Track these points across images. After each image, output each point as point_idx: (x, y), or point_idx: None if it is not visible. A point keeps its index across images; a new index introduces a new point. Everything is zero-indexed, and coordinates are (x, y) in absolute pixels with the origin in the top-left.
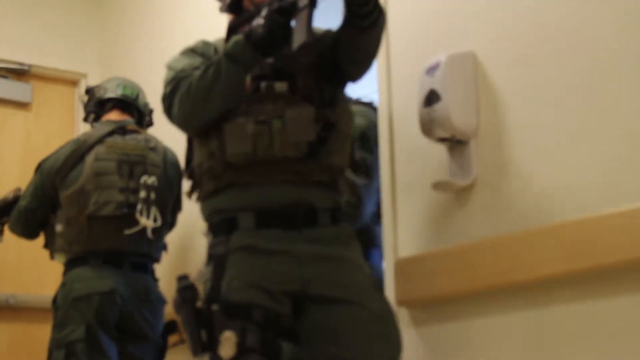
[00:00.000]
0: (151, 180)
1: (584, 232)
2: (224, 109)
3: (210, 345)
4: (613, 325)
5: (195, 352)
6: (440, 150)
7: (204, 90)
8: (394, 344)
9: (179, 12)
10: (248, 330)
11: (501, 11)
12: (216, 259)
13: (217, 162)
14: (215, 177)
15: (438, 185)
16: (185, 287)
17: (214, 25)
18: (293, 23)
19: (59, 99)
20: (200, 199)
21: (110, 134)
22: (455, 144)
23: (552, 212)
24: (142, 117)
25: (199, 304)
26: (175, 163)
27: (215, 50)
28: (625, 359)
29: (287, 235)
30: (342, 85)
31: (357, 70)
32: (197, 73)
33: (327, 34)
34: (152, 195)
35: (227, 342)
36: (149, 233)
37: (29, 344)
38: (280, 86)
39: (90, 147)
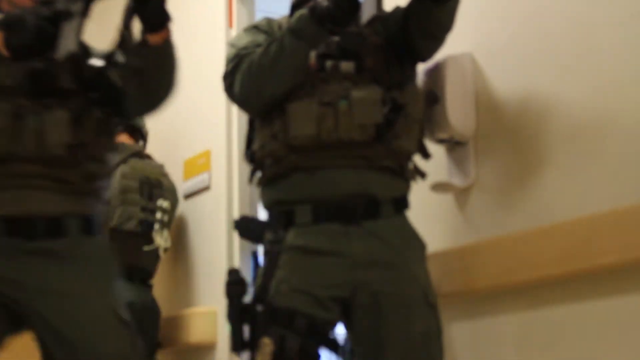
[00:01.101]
0: (166, 204)
1: (581, 232)
2: (287, 87)
3: (252, 344)
4: (612, 324)
5: (235, 348)
6: (439, 151)
7: (266, 67)
8: (435, 356)
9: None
10: (287, 339)
11: (499, 13)
12: (269, 257)
13: (280, 145)
14: (278, 161)
15: (437, 187)
16: (233, 281)
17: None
18: None
19: None
20: (262, 184)
21: (131, 156)
22: (454, 145)
23: (552, 213)
24: (145, 141)
25: (247, 300)
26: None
27: (280, 27)
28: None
29: (344, 230)
30: (412, 65)
31: (431, 46)
32: (260, 50)
33: (396, 11)
34: (165, 218)
35: (264, 349)
36: (161, 252)
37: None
38: (347, 66)
39: (117, 165)
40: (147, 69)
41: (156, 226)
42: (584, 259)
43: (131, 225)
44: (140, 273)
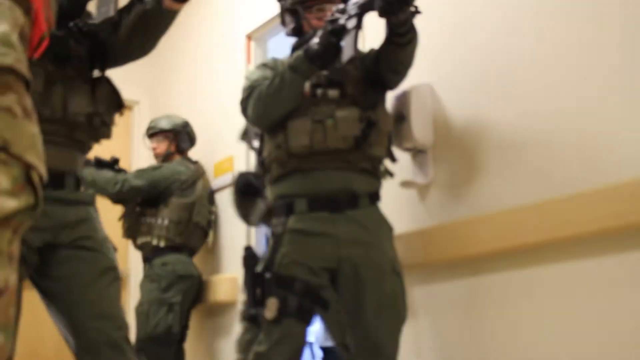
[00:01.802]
0: (214, 209)
1: (511, 218)
2: (287, 110)
3: (262, 302)
4: (535, 290)
5: (249, 305)
6: (405, 157)
7: (271, 95)
8: (401, 313)
9: (218, 41)
10: (289, 298)
11: (451, 53)
12: (275, 237)
13: (283, 152)
14: (281, 164)
15: (404, 184)
16: (248, 256)
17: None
18: (342, 42)
19: (118, 123)
20: (269, 183)
21: (202, 173)
22: (417, 152)
23: (490, 204)
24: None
25: (258, 269)
26: None
27: (282, 64)
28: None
29: (331, 217)
30: (383, 92)
31: (396, 79)
32: (267, 82)
33: (371, 52)
34: (213, 218)
35: (271, 306)
36: (209, 244)
37: None
38: (333, 93)
39: (200, 176)
40: (151, 30)
41: (212, 225)
42: (513, 239)
43: (203, 222)
44: (193, 252)
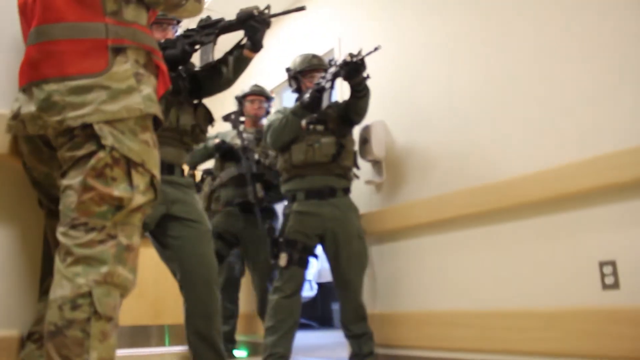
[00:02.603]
0: None
1: (434, 203)
2: (290, 138)
3: (277, 256)
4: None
5: (272, 257)
6: (368, 165)
7: (280, 129)
8: (363, 262)
9: None
10: (293, 253)
11: (396, 100)
12: (285, 216)
13: (288, 164)
14: (287, 172)
15: (367, 182)
16: (269, 228)
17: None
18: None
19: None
20: (282, 182)
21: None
22: (375, 162)
23: (418, 194)
24: None
25: (276, 236)
26: None
27: (287, 110)
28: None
29: (319, 202)
30: (351, 126)
31: (358, 119)
32: (278, 121)
33: (344, 101)
34: None
35: (283, 258)
36: None
37: None
38: (319, 127)
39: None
40: (239, 69)
41: None
42: (435, 215)
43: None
44: None
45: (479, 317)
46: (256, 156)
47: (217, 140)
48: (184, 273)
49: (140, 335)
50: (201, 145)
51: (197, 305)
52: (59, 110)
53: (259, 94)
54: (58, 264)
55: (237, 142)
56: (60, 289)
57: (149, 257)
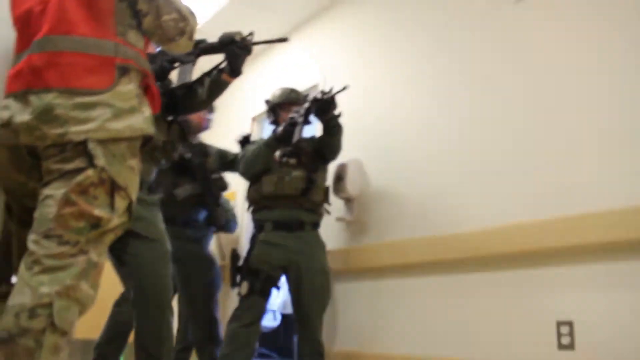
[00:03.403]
0: None
1: (398, 246)
2: (261, 169)
3: (239, 284)
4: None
5: (231, 285)
6: (341, 203)
7: (252, 160)
8: (325, 298)
9: (233, 121)
10: (255, 282)
11: (371, 141)
12: (251, 244)
13: (258, 194)
14: (256, 202)
15: (339, 219)
16: (233, 255)
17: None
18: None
19: None
20: (252, 212)
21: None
22: (348, 200)
23: (386, 236)
24: None
25: (239, 263)
26: None
27: (261, 141)
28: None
29: (286, 235)
30: (324, 162)
31: (331, 156)
32: (250, 151)
33: (316, 137)
34: None
35: (244, 287)
36: None
37: None
38: (292, 160)
39: None
40: (215, 93)
41: None
42: (400, 259)
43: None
44: None
45: None
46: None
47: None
48: (138, 292)
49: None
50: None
51: (148, 326)
52: (61, 124)
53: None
54: (23, 271)
55: (187, 155)
56: (20, 296)
57: (109, 270)
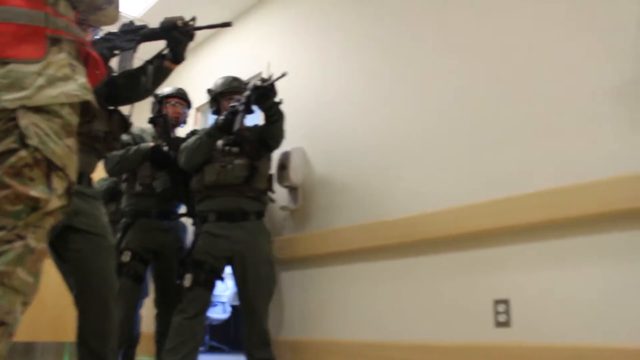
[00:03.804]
0: None
1: (343, 234)
2: (203, 159)
3: (183, 276)
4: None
5: (177, 278)
6: (285, 191)
7: (193, 150)
8: (270, 288)
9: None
10: (199, 274)
11: (315, 128)
12: (195, 237)
13: (200, 185)
14: (199, 192)
15: (283, 207)
16: (178, 247)
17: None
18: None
19: None
20: (195, 203)
21: None
22: (292, 189)
23: (329, 224)
24: None
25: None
26: None
27: (203, 131)
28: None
29: (230, 225)
30: (267, 150)
31: (273, 144)
32: (191, 141)
33: (259, 126)
34: None
35: (187, 279)
36: None
37: None
38: (235, 149)
39: None
40: (158, 80)
41: None
42: (344, 245)
43: None
44: None
45: (380, 348)
46: None
47: (151, 144)
48: (81, 289)
49: (36, 353)
50: (131, 148)
51: (92, 323)
52: None
53: (181, 97)
54: None
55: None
56: None
57: (51, 269)
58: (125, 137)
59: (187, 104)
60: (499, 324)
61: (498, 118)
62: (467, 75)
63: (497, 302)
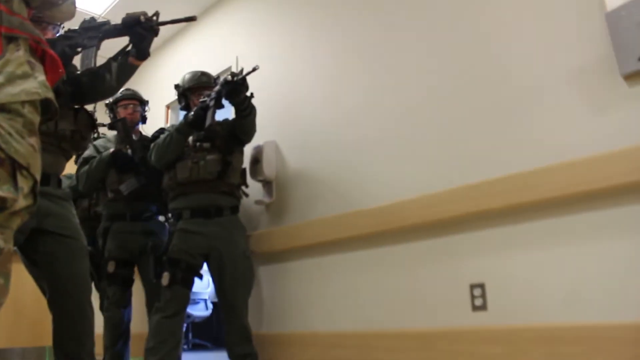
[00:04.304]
0: None
1: (317, 225)
2: (174, 156)
3: (160, 275)
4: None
5: (154, 277)
6: (259, 185)
7: (163, 147)
8: (249, 283)
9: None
10: (176, 272)
11: (287, 121)
12: (170, 234)
13: (173, 182)
14: (172, 190)
15: (257, 202)
16: (153, 246)
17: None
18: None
19: None
20: (169, 201)
21: None
22: (266, 182)
23: (302, 217)
24: None
25: (160, 254)
26: None
27: (173, 128)
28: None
29: (205, 221)
30: (240, 144)
31: (245, 138)
32: (162, 138)
33: (230, 120)
34: None
35: (165, 277)
36: None
37: None
38: (206, 144)
39: None
40: (123, 77)
41: None
42: (318, 238)
43: None
44: None
45: (360, 338)
46: None
47: (111, 149)
48: (54, 291)
49: (16, 358)
50: (94, 161)
51: (67, 327)
52: None
53: (131, 98)
54: None
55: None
56: None
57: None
58: (89, 151)
59: (139, 101)
60: (476, 308)
61: (467, 105)
62: (435, 64)
63: (473, 286)
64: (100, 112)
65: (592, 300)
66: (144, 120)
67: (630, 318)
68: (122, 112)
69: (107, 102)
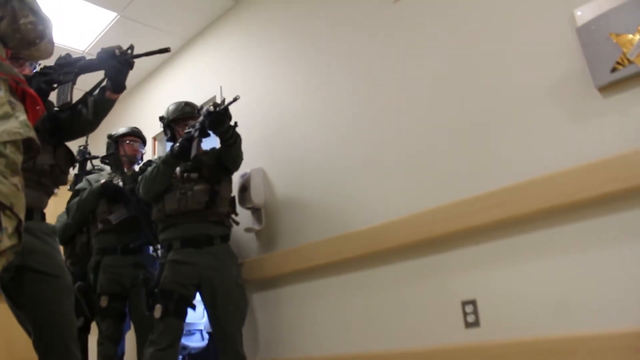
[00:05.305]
0: None
1: (304, 251)
2: (161, 188)
3: (153, 307)
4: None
5: (146, 310)
6: (248, 213)
7: (150, 179)
8: (242, 311)
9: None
10: (169, 304)
11: (275, 148)
12: (161, 266)
13: (162, 214)
14: (161, 221)
15: (247, 229)
16: (145, 278)
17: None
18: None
19: None
20: (158, 232)
21: None
22: (255, 210)
23: (291, 243)
24: None
25: (152, 287)
26: None
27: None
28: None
29: (195, 251)
30: (227, 173)
31: (232, 166)
32: (149, 171)
33: (217, 149)
34: None
35: (158, 310)
36: None
37: None
38: (194, 175)
39: None
40: (101, 112)
41: None
42: (307, 263)
43: None
44: None
45: None
46: None
47: (102, 181)
48: (39, 333)
49: None
50: (84, 192)
51: None
52: None
53: (137, 136)
54: None
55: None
56: None
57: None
58: (81, 184)
59: (143, 141)
60: (469, 325)
61: (449, 124)
62: (417, 85)
63: (465, 303)
64: (92, 145)
65: (583, 310)
66: (142, 158)
67: (622, 326)
68: (126, 147)
69: (110, 134)
